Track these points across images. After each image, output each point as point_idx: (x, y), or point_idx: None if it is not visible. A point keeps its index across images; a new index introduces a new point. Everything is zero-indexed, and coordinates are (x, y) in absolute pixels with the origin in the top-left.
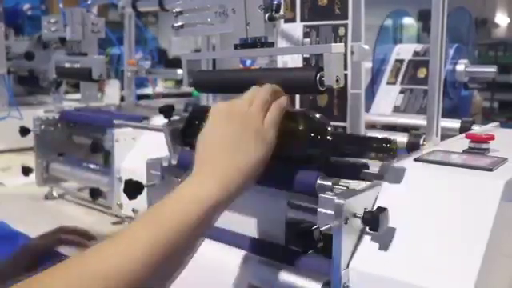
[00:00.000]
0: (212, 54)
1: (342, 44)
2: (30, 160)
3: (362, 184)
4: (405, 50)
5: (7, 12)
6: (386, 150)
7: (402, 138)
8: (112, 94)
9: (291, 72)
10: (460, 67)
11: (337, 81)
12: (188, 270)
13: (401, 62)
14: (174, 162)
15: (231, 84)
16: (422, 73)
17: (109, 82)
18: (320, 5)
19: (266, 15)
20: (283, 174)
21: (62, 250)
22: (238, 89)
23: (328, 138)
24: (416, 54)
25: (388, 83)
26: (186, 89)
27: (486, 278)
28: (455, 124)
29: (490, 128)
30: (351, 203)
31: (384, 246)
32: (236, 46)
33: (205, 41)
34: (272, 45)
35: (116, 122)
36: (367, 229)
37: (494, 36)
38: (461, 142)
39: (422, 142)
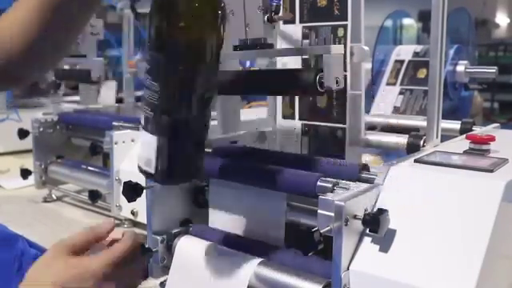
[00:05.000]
0: None
1: (342, 45)
2: (28, 162)
3: (363, 185)
4: (405, 51)
5: None
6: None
7: (402, 140)
8: (107, 95)
9: (290, 73)
10: (460, 68)
11: (336, 82)
12: (188, 271)
13: (401, 62)
14: None
15: (230, 85)
16: (422, 73)
17: (104, 83)
18: (319, 6)
19: (266, 16)
20: (283, 175)
21: None
22: (237, 90)
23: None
24: (416, 54)
25: (388, 84)
26: None
27: (487, 280)
28: (455, 125)
29: (491, 129)
30: (351, 205)
31: (385, 247)
32: (235, 48)
33: None
34: (271, 46)
35: (115, 123)
36: (367, 230)
37: (494, 36)
38: (461, 143)
39: (422, 143)
